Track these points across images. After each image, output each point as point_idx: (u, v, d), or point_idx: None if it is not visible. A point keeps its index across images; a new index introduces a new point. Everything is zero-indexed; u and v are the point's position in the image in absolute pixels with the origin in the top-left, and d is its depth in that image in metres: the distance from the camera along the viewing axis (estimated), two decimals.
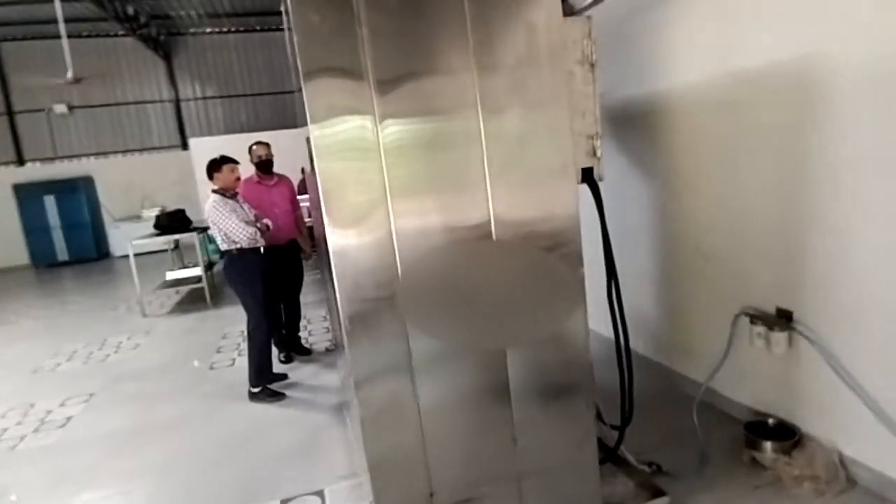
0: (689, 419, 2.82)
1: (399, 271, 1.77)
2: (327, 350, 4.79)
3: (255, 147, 4.38)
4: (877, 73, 2.05)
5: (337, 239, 1.72)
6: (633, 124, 3.30)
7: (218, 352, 5.13)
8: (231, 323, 5.95)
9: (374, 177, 1.71)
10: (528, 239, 1.88)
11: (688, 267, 3.11)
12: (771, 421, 2.66)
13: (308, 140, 1.88)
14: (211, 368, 4.73)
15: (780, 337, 2.51)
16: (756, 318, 2.64)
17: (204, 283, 6.84)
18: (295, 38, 1.63)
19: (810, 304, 2.46)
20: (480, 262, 1.86)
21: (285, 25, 2.73)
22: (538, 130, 1.85)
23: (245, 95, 13.29)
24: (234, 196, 3.91)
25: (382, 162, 1.71)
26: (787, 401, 2.63)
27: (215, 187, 3.87)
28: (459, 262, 1.83)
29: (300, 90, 1.81)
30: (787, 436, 2.54)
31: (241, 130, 12.80)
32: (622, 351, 2.32)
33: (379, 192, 1.72)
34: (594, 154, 2.11)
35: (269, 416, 3.70)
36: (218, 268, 7.85)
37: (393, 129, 1.70)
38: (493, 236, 1.85)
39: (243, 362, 4.41)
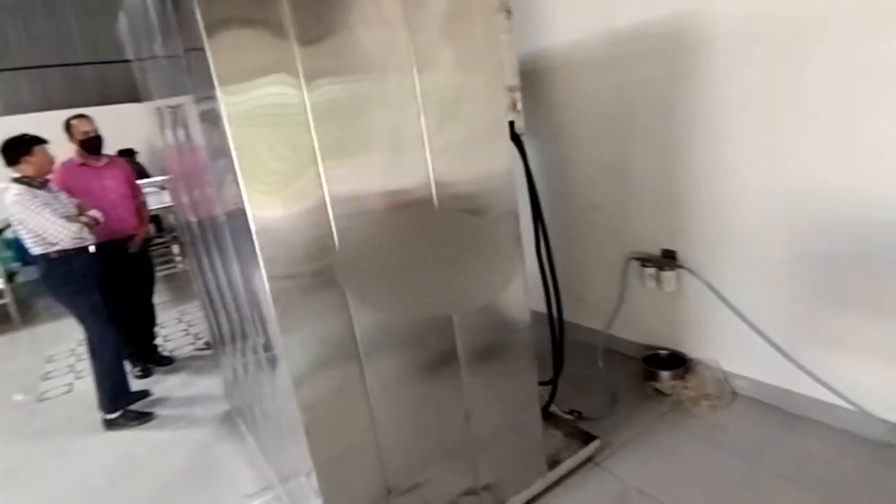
0: (595, 365, 3.01)
1: (336, 241, 1.54)
2: (195, 354, 4.18)
3: (75, 122, 3.49)
4: (742, 28, 2.29)
5: (260, 212, 1.43)
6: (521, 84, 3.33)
7: (46, 378, 4.16)
8: (54, 342, 4.88)
9: (302, 140, 1.46)
10: (468, 199, 1.77)
11: (579, 220, 3.26)
12: (663, 353, 2.95)
13: (173, 111, 1.57)
14: (40, 400, 3.81)
15: (669, 275, 2.76)
16: (646, 260, 2.88)
17: (7, 298, 5.48)
18: None
19: (690, 243, 2.73)
20: (422, 228, 1.70)
21: None
22: (472, 85, 1.73)
23: (27, 68, 10.79)
24: (43, 185, 3.10)
25: (311, 124, 1.46)
26: (676, 333, 2.93)
27: (17, 175, 3.03)
28: (400, 227, 1.65)
29: (191, 50, 1.47)
30: (679, 364, 2.84)
31: (26, 110, 10.44)
32: (552, 307, 2.34)
33: (308, 157, 1.47)
34: (515, 107, 2.05)
35: (138, 443, 3.08)
36: (24, 278, 6.37)
37: (322, 89, 1.46)
38: (434, 197, 1.70)
39: (85, 385, 3.65)
